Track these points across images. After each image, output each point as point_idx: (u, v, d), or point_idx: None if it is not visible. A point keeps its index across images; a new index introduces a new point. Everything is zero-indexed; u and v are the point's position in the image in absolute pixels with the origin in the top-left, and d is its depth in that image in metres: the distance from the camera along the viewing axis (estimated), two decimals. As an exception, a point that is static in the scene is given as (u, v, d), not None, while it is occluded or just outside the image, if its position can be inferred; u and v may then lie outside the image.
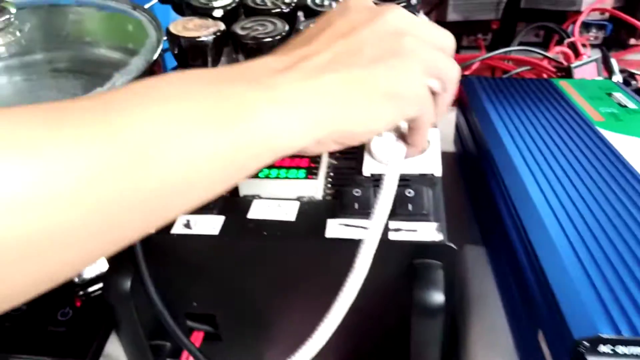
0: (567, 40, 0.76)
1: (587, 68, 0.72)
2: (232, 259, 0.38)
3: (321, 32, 0.33)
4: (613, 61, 0.71)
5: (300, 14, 0.60)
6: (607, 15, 0.86)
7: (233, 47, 0.55)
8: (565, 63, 0.73)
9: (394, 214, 0.35)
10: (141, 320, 0.39)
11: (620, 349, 0.27)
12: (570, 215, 0.36)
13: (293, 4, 0.58)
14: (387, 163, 0.36)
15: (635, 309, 0.28)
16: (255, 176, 0.39)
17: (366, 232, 0.32)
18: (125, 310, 0.38)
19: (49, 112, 0.23)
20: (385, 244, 0.34)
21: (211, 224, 0.37)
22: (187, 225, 0.37)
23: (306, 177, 0.39)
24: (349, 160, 0.42)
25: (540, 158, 0.43)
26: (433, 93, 0.34)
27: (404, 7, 0.37)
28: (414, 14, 0.52)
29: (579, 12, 0.81)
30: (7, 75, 0.57)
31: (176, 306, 0.39)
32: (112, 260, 0.39)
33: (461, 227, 0.42)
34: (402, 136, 0.37)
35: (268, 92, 0.28)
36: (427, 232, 0.35)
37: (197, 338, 0.42)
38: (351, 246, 0.32)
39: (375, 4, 0.35)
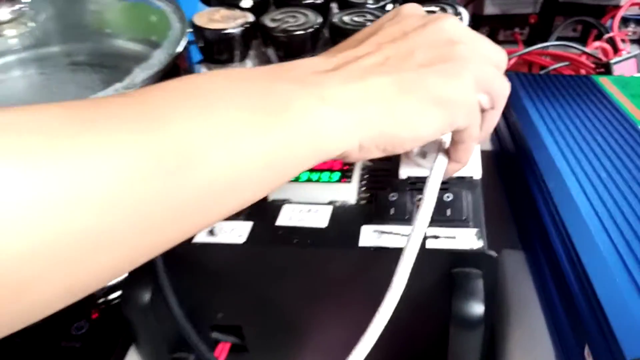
0: (605, 36, 0.74)
1: (626, 64, 0.70)
2: (259, 268, 0.36)
3: (371, 36, 0.32)
4: (653, 57, 0.69)
5: (334, 5, 0.57)
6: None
7: (262, 40, 0.52)
8: (604, 59, 0.71)
9: (431, 220, 0.34)
10: (162, 333, 0.38)
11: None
12: (617, 221, 0.35)
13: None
14: (426, 168, 0.34)
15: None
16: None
17: (403, 248, 0.31)
18: (145, 325, 0.37)
19: (84, 110, 0.22)
20: (423, 252, 0.32)
21: (237, 231, 0.36)
22: (212, 232, 0.36)
23: (339, 181, 0.37)
24: (384, 162, 0.40)
25: (584, 160, 0.42)
26: (481, 110, 0.33)
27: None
28: (455, 8, 0.51)
29: (617, 7, 0.79)
30: (20, 68, 0.56)
31: (200, 318, 0.38)
32: (130, 271, 0.37)
33: (499, 230, 0.40)
34: (445, 151, 0.35)
35: (316, 91, 0.27)
36: (467, 239, 0.34)
37: (224, 350, 0.41)
38: (386, 255, 0.31)
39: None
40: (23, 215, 0.18)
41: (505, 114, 0.55)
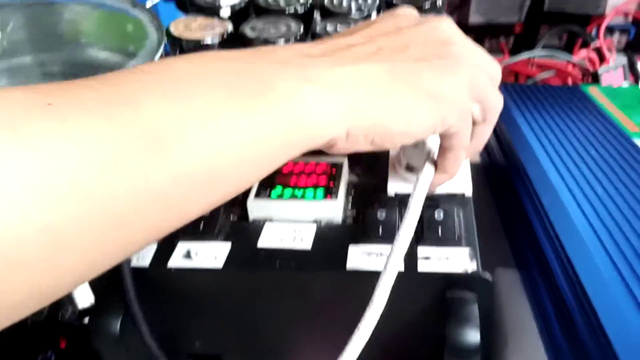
0: (592, 45, 0.74)
1: (613, 73, 0.70)
2: (239, 293, 0.35)
3: (364, 28, 0.31)
4: (640, 66, 0.69)
5: (316, 14, 0.56)
6: (630, 18, 0.84)
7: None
8: (591, 68, 0.70)
9: (422, 240, 0.33)
10: (134, 363, 0.36)
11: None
12: (615, 237, 0.34)
13: (309, 4, 0.54)
14: (414, 183, 0.32)
15: None
16: (267, 197, 0.35)
17: (384, 266, 0.29)
18: (116, 356, 0.35)
19: (48, 94, 0.20)
20: (414, 275, 0.31)
21: (215, 254, 0.34)
22: (188, 255, 0.34)
23: (324, 198, 0.35)
24: (371, 177, 0.39)
25: (578, 174, 0.41)
26: (473, 122, 0.31)
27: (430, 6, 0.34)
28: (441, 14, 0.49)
29: (602, 16, 0.79)
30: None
31: (176, 347, 0.36)
32: (99, 298, 0.35)
33: (492, 247, 0.39)
34: (432, 162, 0.34)
35: (301, 72, 0.26)
36: (460, 260, 0.32)
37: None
38: (375, 278, 0.29)
39: None
40: None
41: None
